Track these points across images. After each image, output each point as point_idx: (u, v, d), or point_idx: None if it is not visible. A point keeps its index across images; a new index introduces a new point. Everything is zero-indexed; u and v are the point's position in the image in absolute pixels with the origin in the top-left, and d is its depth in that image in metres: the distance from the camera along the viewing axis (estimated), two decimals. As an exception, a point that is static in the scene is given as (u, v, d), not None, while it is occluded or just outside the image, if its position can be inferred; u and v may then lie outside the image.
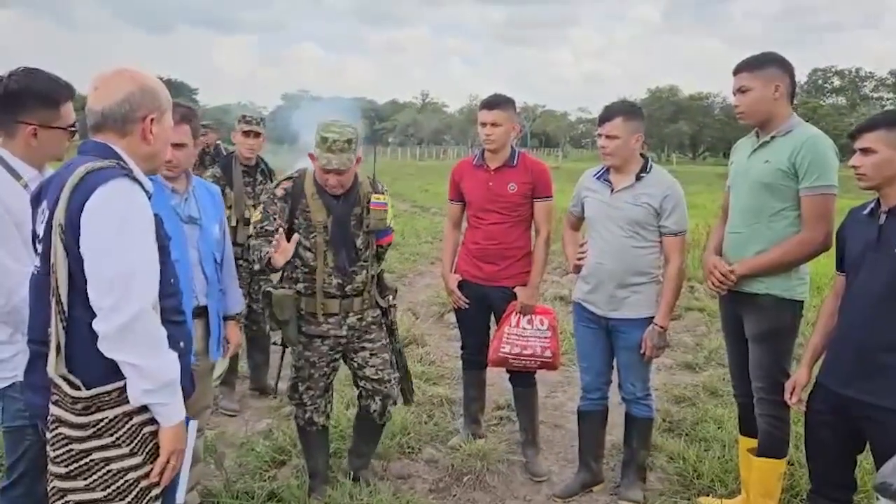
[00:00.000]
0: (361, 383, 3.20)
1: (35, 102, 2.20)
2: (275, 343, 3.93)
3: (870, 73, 68.81)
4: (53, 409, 1.74)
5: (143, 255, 1.75)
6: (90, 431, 1.72)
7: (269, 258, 2.83)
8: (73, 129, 2.31)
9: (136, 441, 1.76)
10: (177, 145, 2.54)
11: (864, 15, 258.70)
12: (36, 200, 1.87)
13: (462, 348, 3.96)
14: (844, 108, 61.70)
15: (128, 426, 1.75)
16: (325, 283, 3.04)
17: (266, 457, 3.58)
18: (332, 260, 3.02)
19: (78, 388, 1.71)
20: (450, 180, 3.82)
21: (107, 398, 1.73)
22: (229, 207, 4.15)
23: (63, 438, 1.72)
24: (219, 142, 6.69)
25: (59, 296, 1.71)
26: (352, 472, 3.29)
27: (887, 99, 66.99)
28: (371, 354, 3.16)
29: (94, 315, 1.70)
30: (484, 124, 3.56)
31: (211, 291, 2.77)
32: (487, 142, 3.56)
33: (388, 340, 3.23)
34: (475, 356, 3.86)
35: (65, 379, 1.72)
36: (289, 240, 2.95)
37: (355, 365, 3.18)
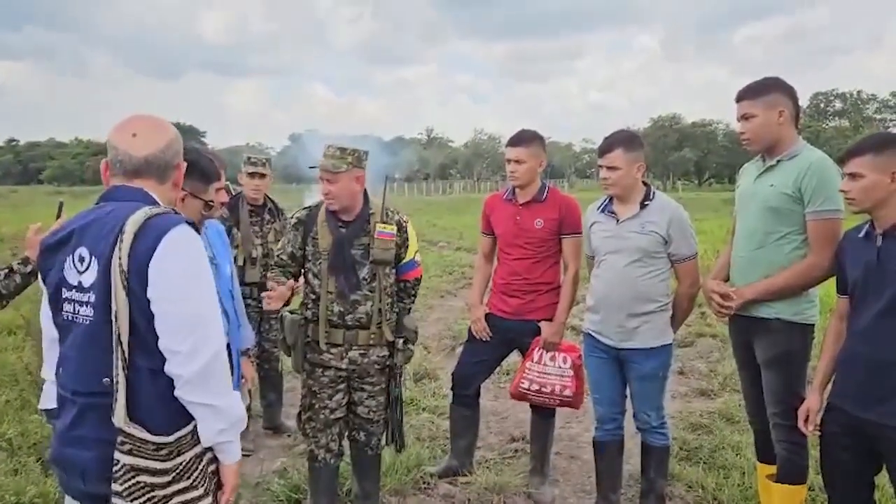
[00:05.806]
0: (351, 416, 3.23)
1: (194, 175, 2.39)
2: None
3: (871, 95, 68.67)
4: (126, 459, 1.69)
5: (212, 297, 1.79)
6: (172, 476, 1.72)
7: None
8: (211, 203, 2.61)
9: (206, 481, 1.79)
10: (220, 190, 2.80)
11: (864, 38, 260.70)
12: (57, 246, 1.81)
13: (452, 377, 3.87)
14: (848, 130, 61.56)
15: (200, 467, 1.77)
16: (327, 309, 3.07)
17: (281, 496, 3.56)
18: (332, 285, 3.06)
19: (158, 435, 1.70)
20: (482, 213, 3.86)
21: (184, 441, 1.74)
22: (237, 247, 4.23)
23: (144, 486, 1.70)
24: (227, 182, 6.76)
25: (122, 343, 1.68)
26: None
27: (890, 120, 66.52)
28: (368, 396, 3.18)
29: (154, 361, 1.70)
30: (509, 161, 3.59)
31: (231, 329, 2.80)
32: (512, 178, 3.59)
33: (385, 385, 3.20)
34: (461, 390, 3.79)
35: (142, 426, 1.69)
36: (301, 270, 3.12)
37: (352, 400, 3.19)
